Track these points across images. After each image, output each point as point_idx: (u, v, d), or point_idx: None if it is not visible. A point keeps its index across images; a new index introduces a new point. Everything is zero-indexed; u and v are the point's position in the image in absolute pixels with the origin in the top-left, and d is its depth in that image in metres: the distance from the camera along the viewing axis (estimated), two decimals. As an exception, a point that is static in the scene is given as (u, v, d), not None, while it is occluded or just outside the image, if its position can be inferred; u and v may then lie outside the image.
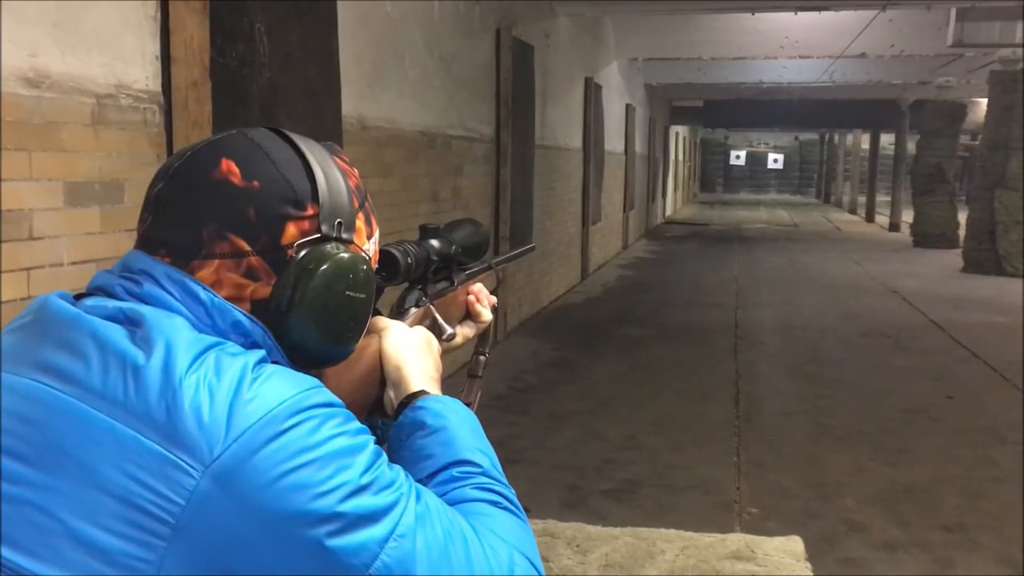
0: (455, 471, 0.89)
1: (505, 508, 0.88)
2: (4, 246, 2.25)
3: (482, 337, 1.42)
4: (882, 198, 24.04)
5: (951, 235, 15.86)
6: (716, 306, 9.57)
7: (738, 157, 39.03)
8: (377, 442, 0.81)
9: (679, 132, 27.75)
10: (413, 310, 1.12)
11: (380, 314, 1.06)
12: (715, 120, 25.18)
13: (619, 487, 4.25)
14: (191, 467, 0.71)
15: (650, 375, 6.49)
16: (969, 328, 8.30)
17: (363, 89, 4.70)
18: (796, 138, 38.80)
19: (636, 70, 16.00)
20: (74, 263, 2.45)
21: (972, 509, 4.02)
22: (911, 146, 19.87)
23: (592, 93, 11.37)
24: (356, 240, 0.90)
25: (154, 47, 2.86)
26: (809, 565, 1.17)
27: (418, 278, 1.12)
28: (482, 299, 1.23)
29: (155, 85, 2.86)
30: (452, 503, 0.85)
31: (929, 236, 16.12)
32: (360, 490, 0.74)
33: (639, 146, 17.02)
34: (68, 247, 2.44)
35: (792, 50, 13.23)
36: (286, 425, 0.73)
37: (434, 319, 1.13)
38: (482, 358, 1.44)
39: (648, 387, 6.15)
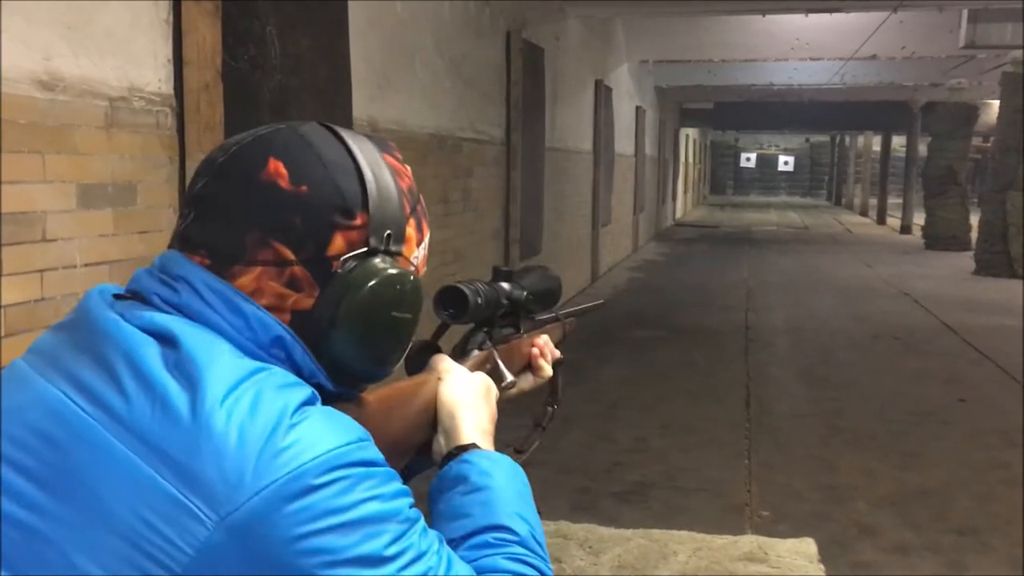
0: (491, 536, 0.85)
1: None
2: (18, 248, 2.26)
3: (553, 390, 1.39)
4: (893, 200, 23.95)
5: (963, 237, 15.80)
6: (726, 308, 9.56)
7: (748, 159, 38.94)
8: (405, 480, 0.78)
9: (689, 134, 27.72)
10: (475, 352, 1.09)
11: (440, 351, 1.03)
12: (725, 122, 25.16)
13: (629, 489, 4.24)
14: (206, 516, 0.66)
15: (659, 377, 6.49)
16: (981, 331, 8.26)
17: (374, 91, 4.71)
18: (807, 140, 38.70)
19: (646, 72, 15.99)
20: (87, 265, 2.46)
21: (984, 512, 4.00)
22: (923, 148, 19.79)
23: (602, 95, 11.37)
24: (405, 251, 0.85)
25: (166, 50, 2.87)
26: (822, 567, 1.17)
27: (485, 320, 1.09)
28: (546, 353, 1.19)
29: (167, 88, 2.88)
30: (481, 572, 0.81)
31: (941, 238, 16.06)
32: (383, 561, 0.70)
33: (649, 148, 17.01)
34: (81, 249, 2.45)
35: (803, 52, 13.21)
36: (317, 482, 0.68)
37: (496, 365, 1.09)
38: (551, 409, 1.42)
39: (657, 389, 6.14)
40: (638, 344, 7.65)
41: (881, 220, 23.08)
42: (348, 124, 4.31)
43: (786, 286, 11.43)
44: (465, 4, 6.25)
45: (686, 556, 1.30)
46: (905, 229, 19.98)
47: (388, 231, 0.83)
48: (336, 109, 4.28)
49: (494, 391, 1.02)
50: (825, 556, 3.20)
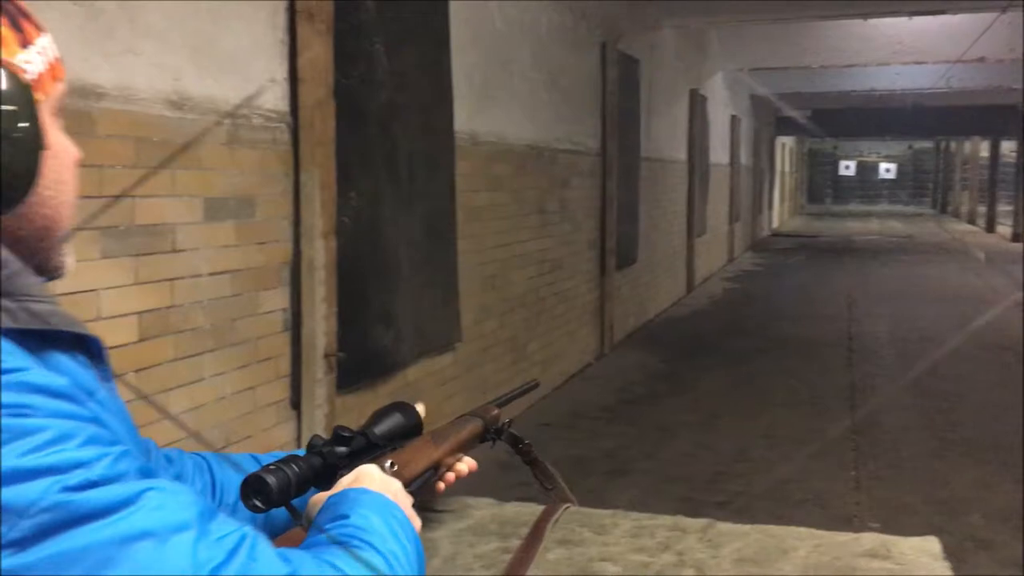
0: (330, 525, 0.85)
1: (345, 546, 0.81)
2: (150, 258, 2.40)
3: (535, 466, 1.46)
4: (1003, 208, 23.00)
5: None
6: (827, 318, 9.34)
7: (848, 167, 37.93)
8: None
9: (785, 143, 27.22)
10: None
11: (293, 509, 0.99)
12: (824, 130, 24.57)
13: (731, 500, 4.21)
14: None
15: (759, 388, 6.39)
16: (1101, 342, 7.88)
17: (474, 104, 4.80)
18: (910, 147, 37.50)
19: (741, 80, 15.79)
20: (212, 274, 2.59)
21: (1109, 529, 3.83)
22: (1034, 152, 19.00)
23: (697, 105, 11.29)
24: (5, 52, 0.74)
25: (283, 69, 3.00)
26: (948, 564, 1.15)
27: (329, 477, 1.02)
28: (461, 471, 1.23)
29: (284, 105, 3.01)
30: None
31: (1055, 246, 15.37)
32: None
33: (744, 157, 16.78)
34: (206, 259, 2.58)
35: (906, 56, 12.84)
36: None
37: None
38: (546, 479, 1.47)
39: (758, 399, 6.05)
40: (736, 354, 7.55)
41: (990, 228, 22.21)
42: (450, 137, 4.41)
43: (890, 296, 11.11)
44: (562, 17, 6.31)
45: (806, 552, 1.30)
46: (1016, 237, 19.19)
47: None
48: (438, 123, 4.38)
49: (402, 495, 0.98)
50: (939, 569, 3.19)
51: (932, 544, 1.25)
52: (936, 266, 14.89)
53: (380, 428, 1.10)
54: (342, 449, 1.03)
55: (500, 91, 5.22)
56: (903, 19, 10.70)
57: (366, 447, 1.06)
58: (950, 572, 1.21)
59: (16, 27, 0.76)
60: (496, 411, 1.32)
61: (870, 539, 1.25)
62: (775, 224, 24.23)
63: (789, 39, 12.50)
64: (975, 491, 4.30)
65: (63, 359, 0.76)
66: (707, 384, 6.50)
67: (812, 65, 14.04)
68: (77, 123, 2.42)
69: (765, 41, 12.84)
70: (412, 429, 1.14)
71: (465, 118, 4.63)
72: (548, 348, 6.07)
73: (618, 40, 7.53)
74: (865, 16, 10.48)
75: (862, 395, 6.15)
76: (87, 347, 0.80)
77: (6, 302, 0.71)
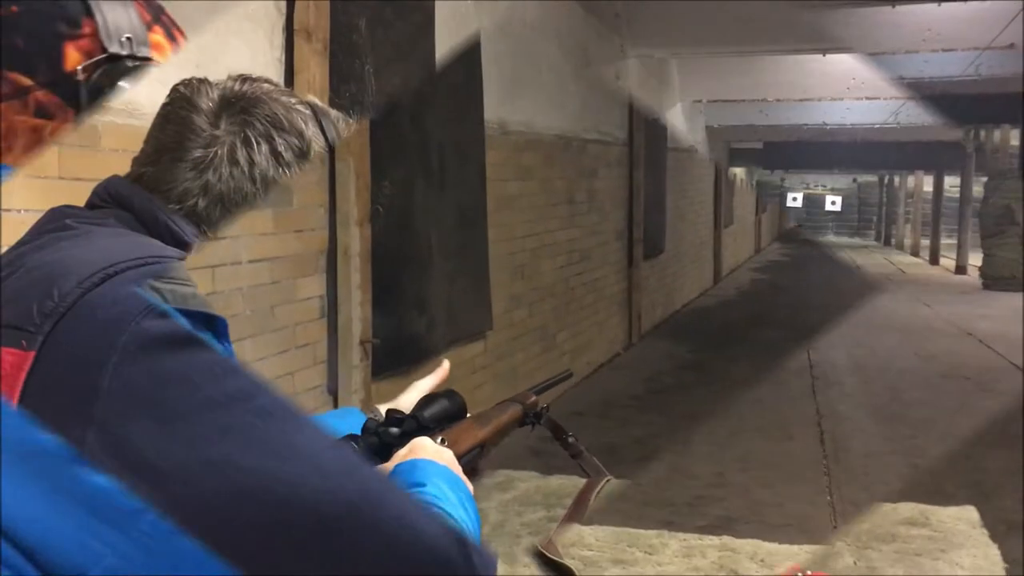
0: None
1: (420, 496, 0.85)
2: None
3: (555, 429, 1.46)
4: (945, 240, 23.67)
5: (1022, 277, 15.60)
6: (785, 348, 9.47)
7: (795, 199, 38.72)
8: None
9: (737, 173, 27.68)
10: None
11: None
12: (774, 162, 25.07)
13: (713, 524, 4.17)
14: None
15: (730, 414, 6.44)
16: (1052, 371, 8.14)
17: (503, 94, 4.79)
18: (854, 180, 38.40)
19: (698, 112, 16.08)
20: (251, 261, 2.58)
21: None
22: (976, 188, 19.62)
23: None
24: (159, 56, 0.84)
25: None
26: (986, 531, 1.20)
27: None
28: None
29: (313, 98, 3.00)
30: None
31: (999, 279, 15.88)
32: None
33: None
34: (246, 246, 2.57)
35: (859, 91, 13.21)
36: None
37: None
38: (571, 439, 1.51)
39: (729, 426, 6.10)
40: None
41: (934, 260, 22.83)
42: (480, 127, 4.38)
43: (845, 325, 11.33)
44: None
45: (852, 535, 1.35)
46: (960, 269, 19.76)
47: (126, 35, 0.80)
48: (469, 113, 4.41)
49: (456, 465, 1.04)
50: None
51: (970, 513, 1.29)
52: (886, 296, 15.24)
53: (429, 412, 1.17)
54: (395, 430, 1.09)
55: (528, 82, 5.22)
56: (858, 55, 10.99)
57: (417, 429, 1.12)
58: (987, 538, 1.25)
59: (170, 37, 0.85)
60: (534, 397, 1.38)
61: (909, 508, 1.29)
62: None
63: (746, 73, 12.75)
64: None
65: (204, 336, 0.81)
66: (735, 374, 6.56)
67: (768, 98, 14.35)
68: (83, 136, 2.40)
69: (723, 74, 13.08)
70: (458, 414, 1.21)
71: (494, 107, 4.62)
72: (577, 338, 6.08)
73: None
74: (824, 52, 10.76)
75: (828, 421, 6.23)
76: (215, 327, 0.84)
77: (163, 285, 0.77)
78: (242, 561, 0.66)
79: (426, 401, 1.21)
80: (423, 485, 0.89)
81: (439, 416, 1.19)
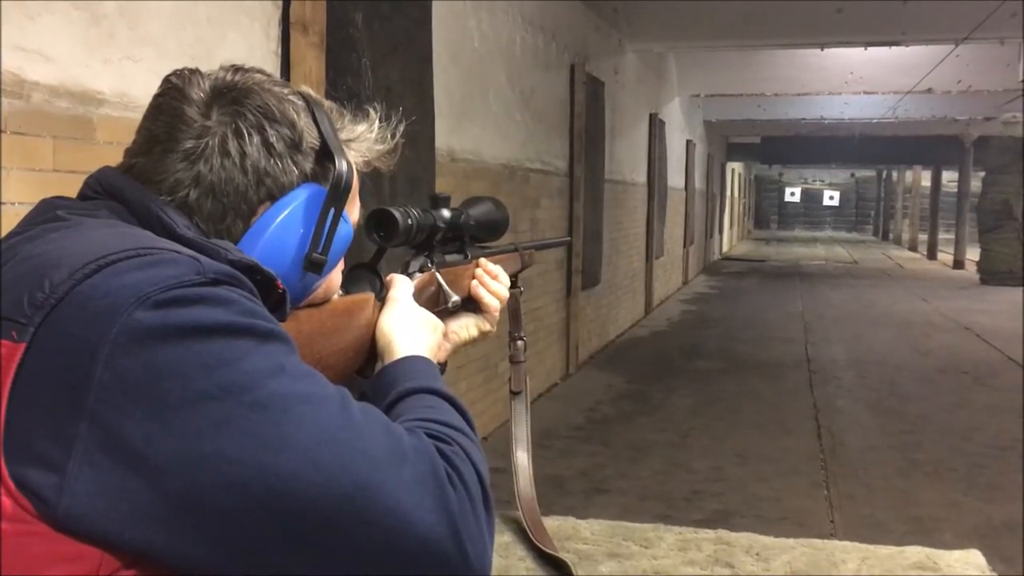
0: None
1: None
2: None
3: (514, 320, 1.43)
4: (943, 235, 23.64)
5: (1019, 272, 15.56)
6: (785, 341, 9.49)
7: (793, 194, 38.74)
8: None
9: (735, 168, 27.67)
10: (417, 275, 1.08)
11: (378, 274, 1.04)
12: (772, 157, 25.07)
13: (710, 517, 4.22)
14: None
15: (727, 408, 6.45)
16: (1049, 365, 8.11)
17: (452, 122, 4.80)
18: (852, 175, 38.41)
19: (696, 106, 16.04)
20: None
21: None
22: (975, 183, 19.58)
23: (656, 129, 11.43)
24: None
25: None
26: (995, 574, 1.18)
27: (423, 244, 1.10)
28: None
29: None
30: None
31: (997, 273, 15.84)
32: None
33: (698, 182, 17.02)
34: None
35: (857, 86, 13.16)
36: None
37: (439, 286, 1.09)
38: (520, 343, 1.45)
39: (727, 419, 6.11)
40: (700, 375, 7.63)
41: (932, 255, 22.79)
42: (432, 153, 4.40)
43: (843, 319, 11.32)
44: (535, 38, 6.36)
45: (855, 565, 1.31)
46: (958, 264, 19.72)
47: None
48: (421, 139, 4.37)
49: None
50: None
51: (976, 557, 1.27)
52: (883, 291, 15.22)
53: (475, 211, 1.17)
54: (444, 213, 1.11)
55: (477, 110, 5.24)
56: (855, 50, 10.94)
57: (460, 223, 1.14)
58: (995, 581, 1.23)
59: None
60: (532, 255, 1.35)
61: (915, 552, 1.26)
62: (725, 248, 24.58)
63: (744, 67, 12.73)
64: (944, 510, 4.39)
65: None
66: (676, 404, 6.55)
67: (766, 93, 14.32)
68: (78, 129, 2.38)
69: (721, 68, 13.06)
70: (501, 223, 1.21)
71: (445, 135, 4.63)
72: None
73: (586, 62, 7.61)
74: (822, 46, 10.72)
75: (825, 416, 6.24)
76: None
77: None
78: (235, 555, 0.67)
79: (472, 201, 1.18)
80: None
81: (483, 222, 1.17)
